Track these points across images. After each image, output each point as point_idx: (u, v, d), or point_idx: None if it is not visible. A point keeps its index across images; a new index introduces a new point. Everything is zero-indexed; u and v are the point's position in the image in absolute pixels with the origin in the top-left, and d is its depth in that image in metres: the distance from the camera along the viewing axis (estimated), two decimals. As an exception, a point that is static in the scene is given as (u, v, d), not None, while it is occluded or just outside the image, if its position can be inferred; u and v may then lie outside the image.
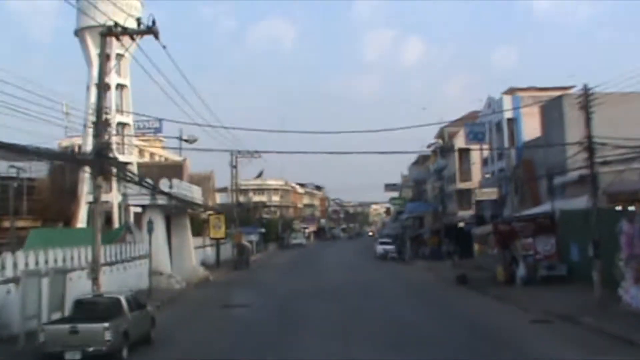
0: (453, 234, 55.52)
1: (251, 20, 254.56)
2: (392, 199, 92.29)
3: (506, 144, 44.66)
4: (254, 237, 75.36)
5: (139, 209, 41.62)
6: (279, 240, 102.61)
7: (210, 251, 55.31)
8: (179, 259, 42.14)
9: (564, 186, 35.45)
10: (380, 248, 64.95)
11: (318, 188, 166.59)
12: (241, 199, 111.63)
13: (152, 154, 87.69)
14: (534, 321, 21.84)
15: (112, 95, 54.74)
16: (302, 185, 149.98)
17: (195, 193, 43.25)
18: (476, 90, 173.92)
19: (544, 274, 30.92)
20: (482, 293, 30.97)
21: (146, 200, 35.59)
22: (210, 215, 54.08)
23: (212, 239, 53.95)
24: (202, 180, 77.38)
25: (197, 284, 39.76)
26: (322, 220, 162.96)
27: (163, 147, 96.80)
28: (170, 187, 36.39)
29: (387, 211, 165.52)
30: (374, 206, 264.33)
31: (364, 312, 25.28)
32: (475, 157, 54.01)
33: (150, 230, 31.19)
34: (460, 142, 57.26)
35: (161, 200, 35.66)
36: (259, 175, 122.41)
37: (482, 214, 40.50)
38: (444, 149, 62.93)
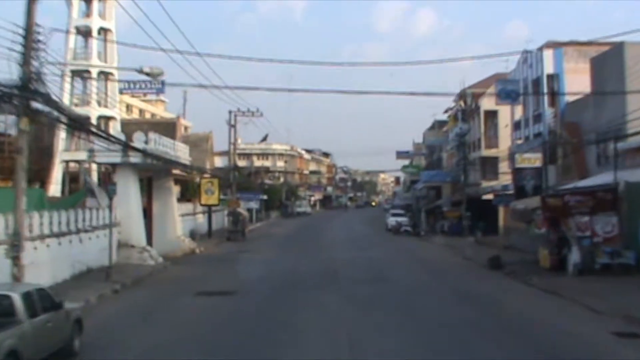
0: (475, 207, 49.34)
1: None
2: (405, 167, 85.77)
3: (546, 104, 38.12)
4: (254, 205, 69.31)
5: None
6: (282, 208, 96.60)
7: (202, 219, 49.20)
8: (160, 228, 36.17)
9: (622, 154, 29.02)
10: (392, 220, 58.81)
11: (325, 155, 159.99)
12: (244, 163, 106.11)
13: (141, 111, 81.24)
14: (618, 334, 15.58)
15: (94, 40, 48.37)
16: (308, 151, 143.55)
17: (180, 152, 37.01)
18: (489, 63, 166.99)
19: (605, 261, 24.66)
20: (524, 283, 24.75)
21: (116, 158, 29.38)
22: (202, 178, 47.92)
23: (202, 205, 47.86)
24: (199, 141, 71.36)
25: (179, 258, 33.75)
26: (329, 188, 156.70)
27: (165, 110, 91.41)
28: (146, 142, 30.16)
29: (397, 181, 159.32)
30: (382, 175, 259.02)
31: (379, 309, 19.08)
32: (506, 120, 47.50)
33: (111, 192, 24.93)
34: (486, 103, 50.72)
35: (134, 158, 29.47)
36: (264, 139, 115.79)
37: (523, 184, 34.06)
38: (465, 111, 56.31)
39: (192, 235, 46.26)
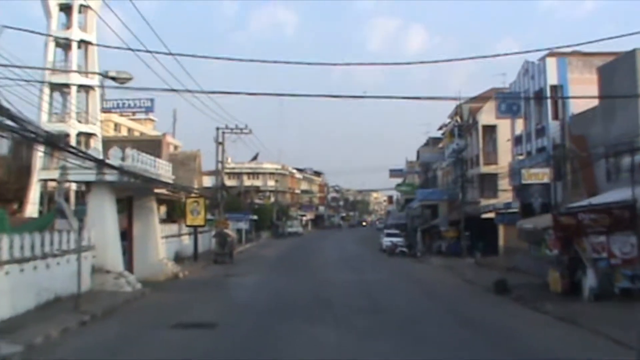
0: (474, 227, 47.22)
1: (254, 6, 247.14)
2: (399, 185, 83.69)
3: (549, 117, 36.09)
4: (243, 225, 67.12)
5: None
6: (273, 228, 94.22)
7: (188, 241, 46.78)
8: (141, 251, 33.80)
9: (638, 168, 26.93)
10: (387, 240, 56.57)
11: (317, 174, 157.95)
12: (234, 182, 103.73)
13: (129, 130, 79.11)
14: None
15: (74, 53, 46.21)
16: (300, 170, 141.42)
17: (162, 169, 34.68)
18: (479, 80, 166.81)
19: (625, 285, 22.50)
20: (535, 309, 22.48)
21: (91, 176, 27.03)
22: (187, 198, 45.59)
23: (188, 226, 45.49)
24: (187, 160, 69.23)
25: (161, 283, 31.32)
26: (321, 208, 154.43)
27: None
28: (123, 159, 27.87)
29: (389, 199, 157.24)
30: (374, 194, 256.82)
31: (379, 340, 16.76)
32: (505, 135, 45.50)
33: (80, 213, 22.61)
34: (485, 118, 48.72)
35: (110, 176, 27.14)
36: (254, 158, 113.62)
37: (530, 202, 31.92)
38: (462, 126, 54.27)
39: (177, 258, 43.93)
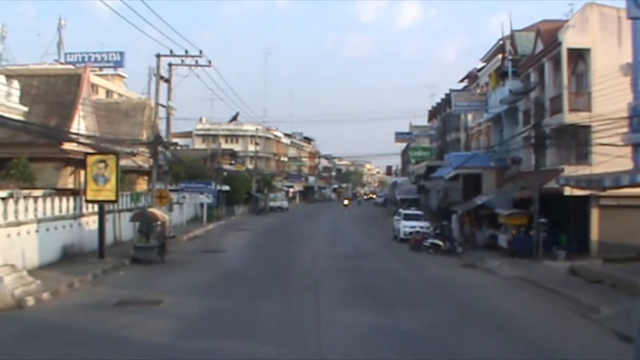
0: (553, 209, 29.87)
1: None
2: (412, 149, 65.62)
3: None
4: (205, 199, 49.18)
5: None
6: (251, 202, 76.27)
7: (95, 226, 28.78)
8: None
9: None
10: (406, 225, 38.73)
11: (307, 140, 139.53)
12: (210, 146, 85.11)
13: (94, 86, 62.65)
14: None
15: None
16: (288, 135, 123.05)
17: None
18: (470, 57, 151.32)
19: None
20: None
21: None
22: (87, 156, 27.49)
23: (89, 201, 27.59)
24: (132, 110, 51.40)
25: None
26: (311, 178, 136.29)
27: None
28: None
29: (388, 170, 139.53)
30: (368, 165, 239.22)
31: None
32: (604, 63, 27.96)
33: None
34: (573, 38, 30.61)
35: None
36: (234, 118, 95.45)
37: None
38: (518, 62, 36.32)
39: (67, 255, 26.17)
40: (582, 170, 29.27)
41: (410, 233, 36.90)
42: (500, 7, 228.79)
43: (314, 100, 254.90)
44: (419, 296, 20.26)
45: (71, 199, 27.54)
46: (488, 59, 50.57)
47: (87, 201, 27.54)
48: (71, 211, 27.38)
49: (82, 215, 28.45)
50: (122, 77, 74.78)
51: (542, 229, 29.05)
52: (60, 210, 26.35)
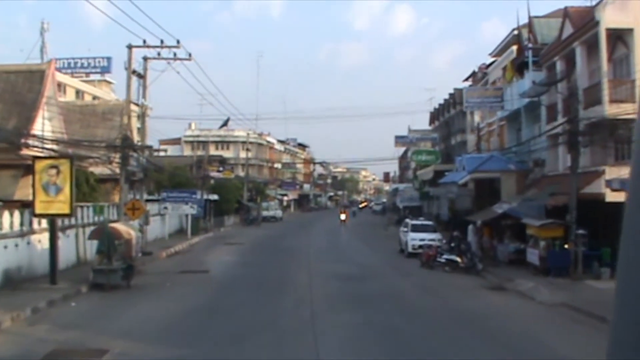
0: (592, 218, 25.31)
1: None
2: (416, 152, 60.91)
3: None
4: (189, 209, 44.51)
5: None
6: (242, 211, 71.53)
7: (45, 244, 23.92)
8: None
9: None
10: (414, 238, 34.01)
11: (301, 146, 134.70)
12: (198, 153, 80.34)
13: (78, 92, 58.31)
14: None
15: None
16: (282, 142, 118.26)
17: None
18: (464, 64, 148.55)
19: None
20: None
21: None
22: (36, 160, 22.69)
23: (37, 215, 22.81)
24: (109, 113, 46.76)
25: None
26: (306, 186, 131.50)
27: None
28: None
29: (386, 177, 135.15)
30: (363, 172, 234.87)
31: None
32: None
33: None
34: (612, 17, 26.06)
35: None
36: (225, 124, 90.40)
37: None
38: (539, 51, 31.77)
39: (10, 280, 21.45)
40: (627, 172, 24.67)
41: (420, 247, 32.24)
42: (494, 12, 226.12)
43: (307, 107, 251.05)
44: (453, 341, 15.41)
45: (16, 213, 22.79)
46: (499, 52, 46.17)
47: (35, 215, 22.75)
48: (16, 227, 22.63)
49: (32, 232, 23.70)
50: (110, 82, 71.64)
51: (581, 241, 24.47)
52: (2, 227, 21.60)
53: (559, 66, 31.03)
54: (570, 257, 24.52)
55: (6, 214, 22.11)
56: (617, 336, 1.55)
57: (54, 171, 22.26)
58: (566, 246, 25.17)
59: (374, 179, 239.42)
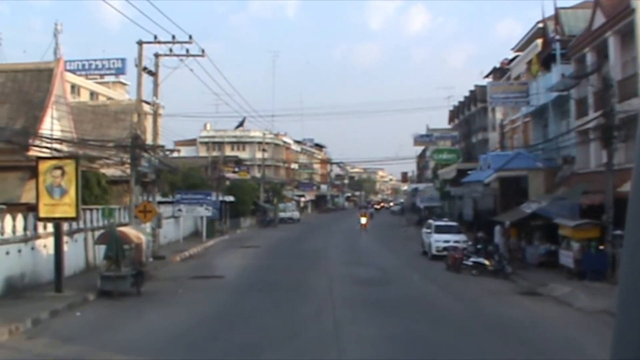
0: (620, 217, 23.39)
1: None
2: (437, 151, 59.47)
3: None
4: (204, 211, 43.31)
5: None
6: (258, 213, 70.31)
7: (51, 250, 22.70)
8: None
9: None
10: (438, 240, 32.58)
11: (318, 147, 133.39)
12: (214, 153, 79.01)
13: (93, 94, 58.05)
14: None
15: None
16: (298, 142, 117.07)
17: None
18: (480, 62, 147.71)
19: None
20: None
21: None
22: (38, 161, 21.49)
23: (41, 219, 21.61)
24: (121, 113, 45.71)
25: None
26: (323, 187, 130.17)
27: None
28: None
29: (404, 177, 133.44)
30: (380, 173, 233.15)
31: None
32: None
33: None
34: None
35: None
36: (240, 124, 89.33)
37: None
38: (567, 42, 30.23)
39: (13, 288, 20.28)
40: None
41: (445, 249, 30.78)
42: (510, 11, 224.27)
43: (324, 104, 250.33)
44: (487, 352, 14.01)
45: (20, 217, 21.60)
46: (522, 47, 44.63)
47: (39, 219, 21.57)
48: (20, 232, 21.46)
49: (37, 237, 22.54)
50: (124, 84, 71.01)
51: (619, 243, 22.90)
52: (3, 232, 20.43)
53: (590, 58, 29.47)
54: (607, 259, 22.99)
55: (8, 217, 20.96)
56: (621, 336, 1.57)
57: (58, 172, 21.06)
58: (602, 247, 23.63)
59: (390, 179, 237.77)
